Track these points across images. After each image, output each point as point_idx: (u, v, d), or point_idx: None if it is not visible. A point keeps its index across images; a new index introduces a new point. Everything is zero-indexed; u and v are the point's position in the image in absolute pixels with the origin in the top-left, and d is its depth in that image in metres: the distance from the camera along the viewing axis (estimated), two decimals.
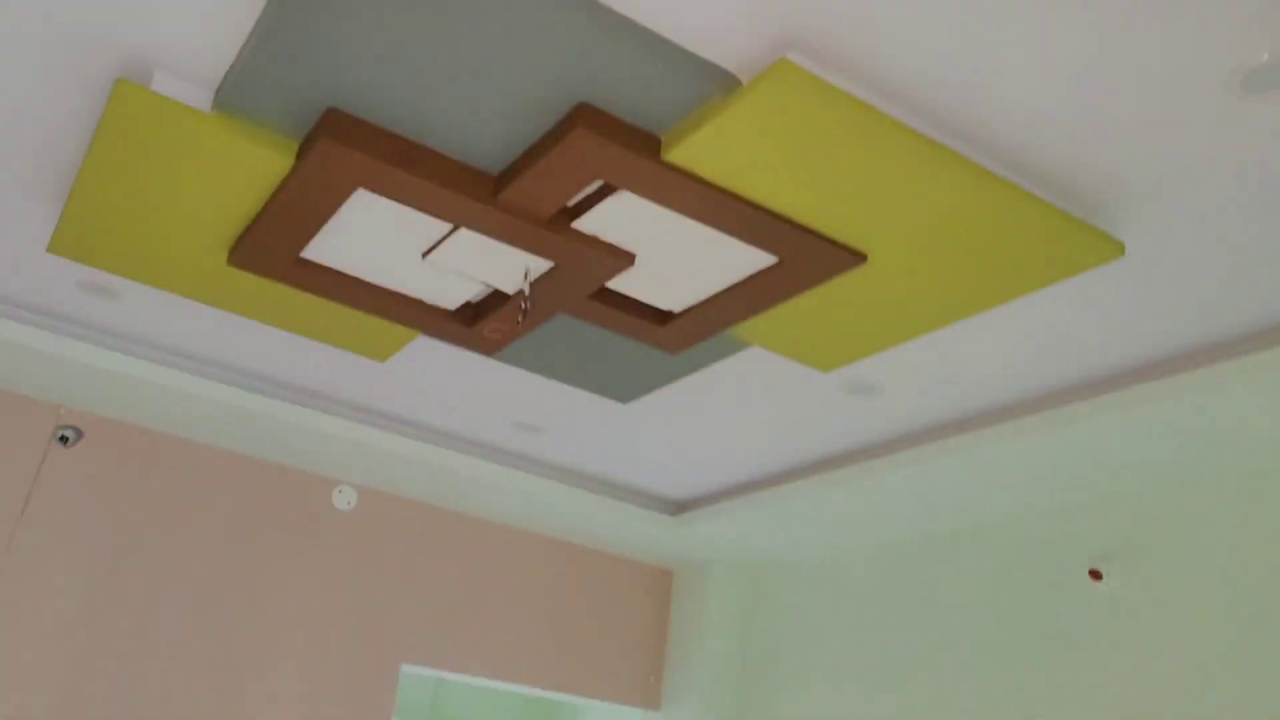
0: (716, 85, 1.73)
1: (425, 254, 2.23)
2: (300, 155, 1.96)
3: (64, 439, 3.27)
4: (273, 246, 2.22)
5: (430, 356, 2.91)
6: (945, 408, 2.83)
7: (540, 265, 2.20)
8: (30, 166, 2.26)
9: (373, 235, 2.19)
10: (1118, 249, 1.98)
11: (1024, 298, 2.25)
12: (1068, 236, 1.94)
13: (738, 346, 2.59)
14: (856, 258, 2.06)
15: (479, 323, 2.44)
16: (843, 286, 2.20)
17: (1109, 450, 2.73)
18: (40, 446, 3.28)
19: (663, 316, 2.40)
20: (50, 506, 3.25)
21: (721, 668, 4.09)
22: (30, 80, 1.97)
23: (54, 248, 2.42)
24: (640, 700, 4.18)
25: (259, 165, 2.02)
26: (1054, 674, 3.03)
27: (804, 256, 2.06)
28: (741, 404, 2.98)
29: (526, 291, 2.23)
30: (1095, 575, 2.96)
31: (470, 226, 2.06)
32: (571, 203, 2.05)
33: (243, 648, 3.45)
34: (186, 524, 3.46)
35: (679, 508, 3.91)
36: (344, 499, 3.76)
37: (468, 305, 2.48)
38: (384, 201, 2.06)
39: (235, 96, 1.89)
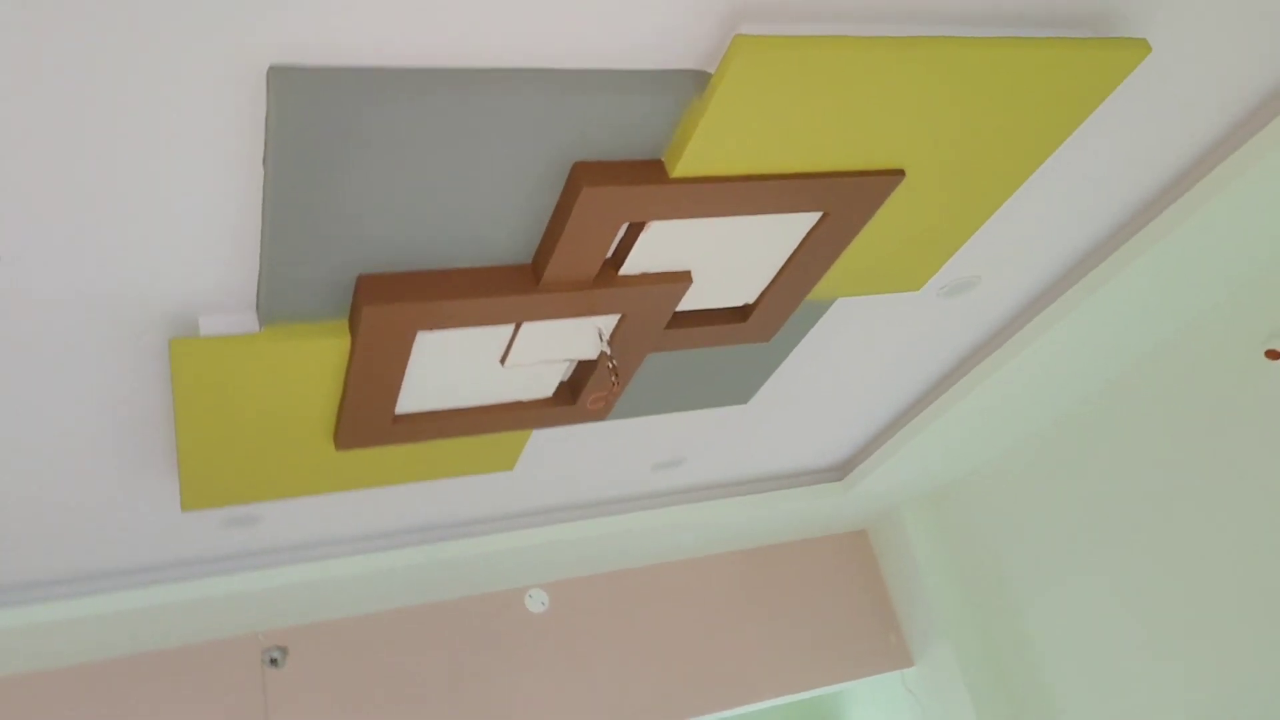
0: (691, 88, 1.71)
1: (503, 360, 2.27)
2: (353, 329, 2.02)
3: (274, 661, 3.41)
4: (367, 419, 2.28)
5: (553, 444, 2.94)
6: (1048, 267, 2.74)
7: (609, 322, 2.21)
8: (131, 445, 2.37)
9: (450, 366, 2.23)
10: (1143, 47, 1.89)
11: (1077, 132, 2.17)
12: (1087, 57, 1.86)
13: (824, 306, 2.56)
14: (894, 175, 2.01)
15: (579, 397, 2.47)
16: (895, 207, 2.15)
17: (1249, 227, 2.60)
18: (258, 677, 3.43)
19: (742, 312, 2.38)
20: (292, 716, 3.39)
21: (953, 602, 4.01)
22: (95, 366, 2.08)
23: (187, 505, 2.53)
24: (891, 663, 4.13)
25: (323, 354, 2.08)
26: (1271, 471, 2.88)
27: (846, 198, 2.02)
28: (854, 354, 2.94)
29: (608, 351, 2.24)
30: (1272, 355, 2.82)
31: (529, 319, 2.09)
32: (610, 254, 2.06)
33: None
34: (423, 686, 3.56)
35: (842, 470, 3.86)
36: (536, 601, 3.82)
37: (563, 386, 2.51)
38: (444, 334, 2.10)
39: (275, 307, 1.95)
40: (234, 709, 3.37)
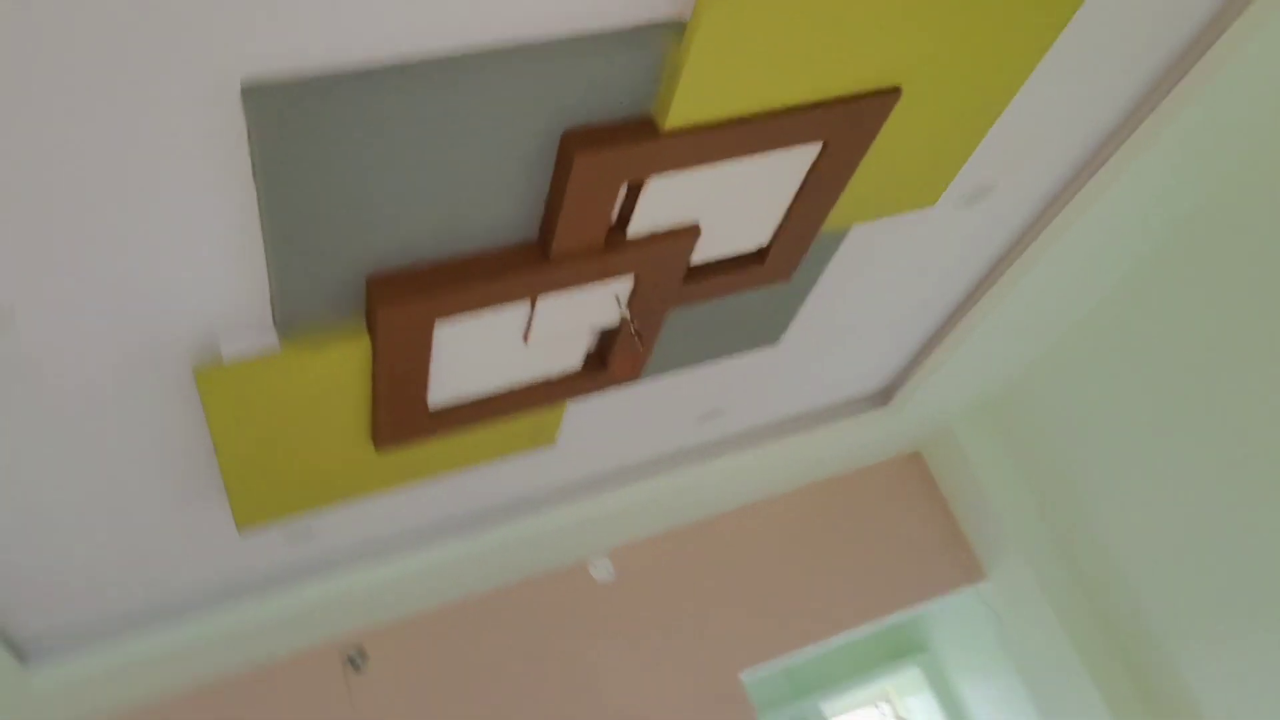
0: (667, 38, 1.68)
1: (525, 338, 2.26)
2: (370, 331, 2.02)
3: (354, 663, 3.47)
4: (400, 417, 2.29)
5: (591, 413, 2.94)
6: (1066, 158, 2.66)
7: (625, 286, 2.19)
8: (173, 477, 2.40)
9: (474, 352, 2.23)
10: None
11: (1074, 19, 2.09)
12: None
13: (840, 236, 2.52)
14: (890, 94, 1.96)
15: (608, 364, 2.46)
16: (896, 126, 2.10)
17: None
18: (341, 684, 3.49)
19: (757, 256, 2.35)
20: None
21: (1016, 509, 3.98)
22: (125, 405, 2.10)
23: (243, 526, 2.57)
24: (964, 579, 4.12)
25: (348, 360, 2.09)
26: None
27: (843, 124, 1.98)
28: (881, 278, 2.89)
29: (628, 315, 2.22)
30: None
31: (544, 293, 2.07)
32: (614, 218, 2.03)
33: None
34: (504, 671, 3.61)
35: (886, 395, 3.82)
36: (602, 570, 3.85)
37: (591, 355, 2.50)
38: (462, 321, 2.09)
39: (291, 320, 1.96)
40: (324, 717, 3.44)
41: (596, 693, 3.65)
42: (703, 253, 2.25)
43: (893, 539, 4.14)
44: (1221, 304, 3.09)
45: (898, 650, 6.96)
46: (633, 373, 2.54)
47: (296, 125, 1.53)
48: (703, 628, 3.83)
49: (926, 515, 4.22)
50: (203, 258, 1.76)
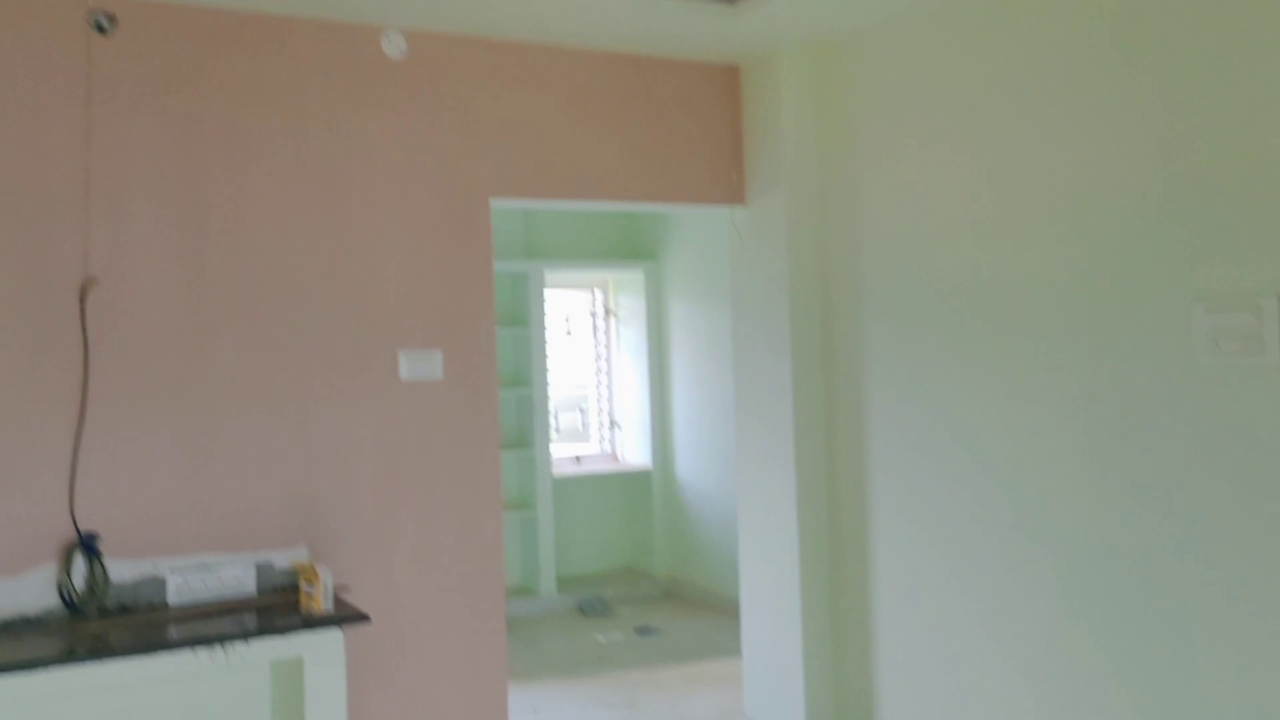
0: None
1: None
2: None
3: (100, 27, 3.17)
4: None
5: None
6: None
7: None
8: None
9: None
10: None
11: None
12: None
13: None
14: None
15: None
16: None
17: None
18: (82, 40, 3.19)
19: None
20: (114, 99, 3.23)
21: (802, 156, 4.11)
22: None
23: None
24: (726, 198, 4.28)
25: None
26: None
27: None
28: None
29: None
30: None
31: None
32: None
33: (338, 208, 3.55)
34: (253, 98, 3.43)
35: None
36: (393, 46, 3.65)
37: None
38: None
39: None
40: (54, 72, 3.16)
41: (356, 168, 3.58)
42: None
43: (678, 136, 4.19)
44: (1050, 44, 3.15)
45: (628, 251, 7.32)
46: None
47: None
48: (471, 143, 3.79)
49: (719, 127, 4.28)
50: None
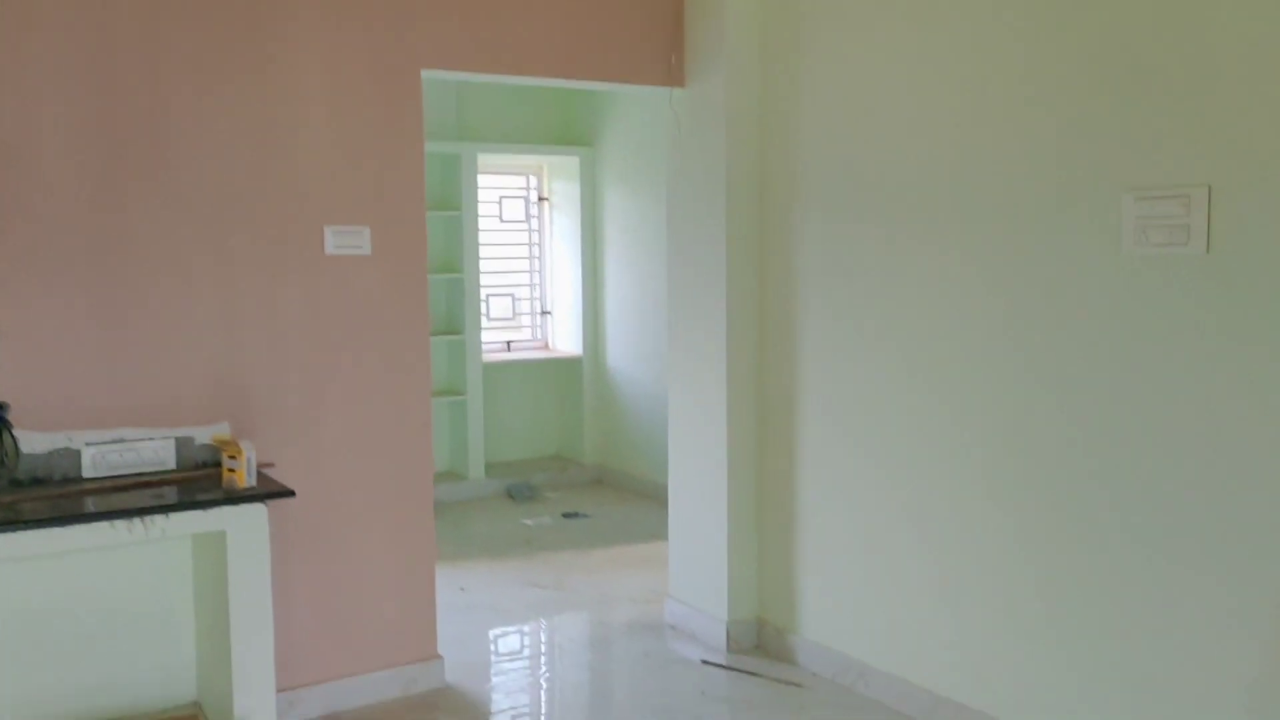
0: None
1: None
2: None
3: None
4: None
5: None
6: None
7: None
8: None
9: None
10: None
11: None
12: None
13: None
14: None
15: None
16: None
17: None
18: None
19: None
20: None
21: (743, 38, 4.01)
22: None
23: None
24: (664, 79, 4.18)
25: None
26: None
27: None
28: None
29: None
30: None
31: None
32: None
33: (261, 73, 3.38)
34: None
35: None
36: None
37: None
38: None
39: None
40: None
41: (280, 30, 3.40)
42: None
43: (618, 12, 4.05)
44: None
45: (564, 137, 7.17)
46: None
47: None
48: (402, 10, 3.62)
49: (660, 5, 4.14)
50: None
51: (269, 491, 3.05)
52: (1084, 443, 2.97)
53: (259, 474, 3.21)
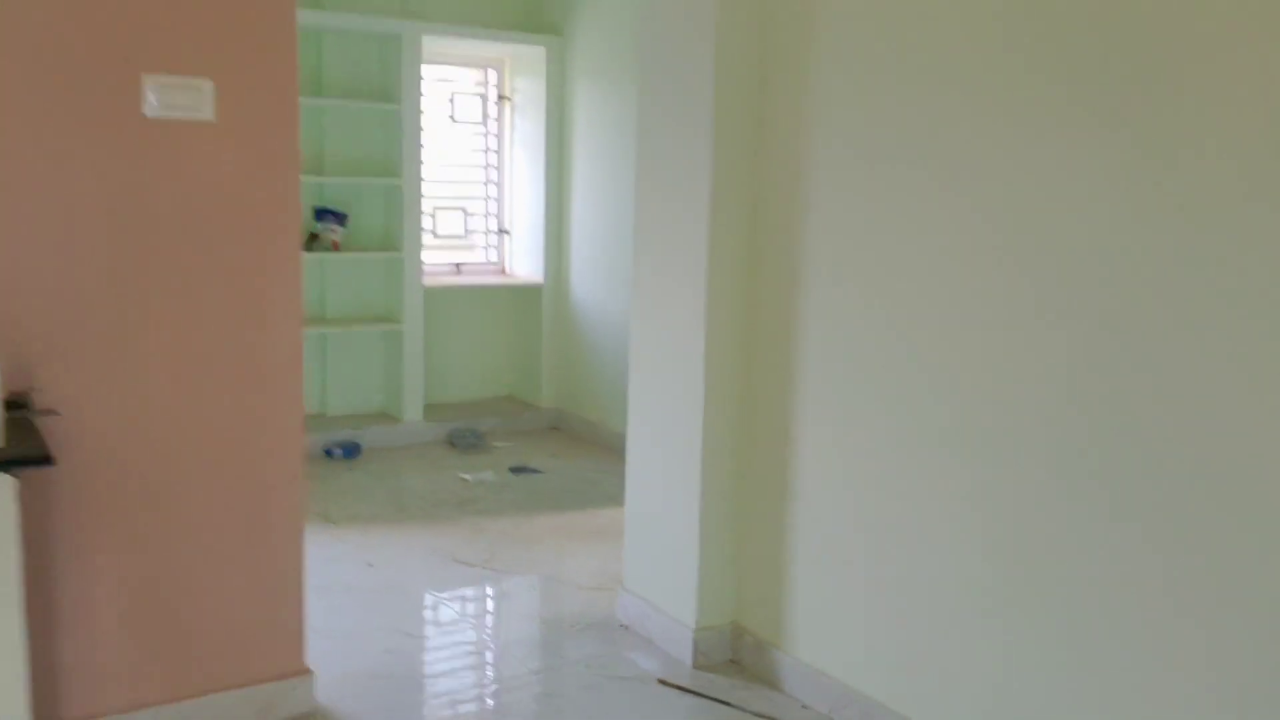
0: None
1: None
2: None
3: None
4: None
5: None
6: None
7: None
8: None
9: None
10: None
11: None
12: None
13: None
14: None
15: None
16: None
17: None
18: None
19: None
20: None
21: None
22: None
23: None
24: None
25: None
26: None
27: None
28: None
29: None
30: None
31: None
32: None
33: None
34: None
35: None
36: None
37: None
38: None
39: None
40: None
41: None
42: None
43: None
44: None
45: (530, 22, 6.08)
46: None
47: None
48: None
49: None
50: None
51: (21, 455, 2.07)
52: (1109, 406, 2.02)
53: (29, 425, 2.23)
